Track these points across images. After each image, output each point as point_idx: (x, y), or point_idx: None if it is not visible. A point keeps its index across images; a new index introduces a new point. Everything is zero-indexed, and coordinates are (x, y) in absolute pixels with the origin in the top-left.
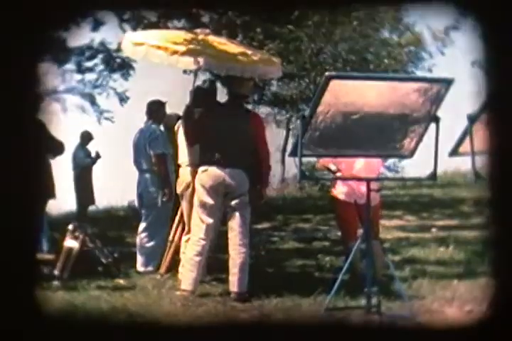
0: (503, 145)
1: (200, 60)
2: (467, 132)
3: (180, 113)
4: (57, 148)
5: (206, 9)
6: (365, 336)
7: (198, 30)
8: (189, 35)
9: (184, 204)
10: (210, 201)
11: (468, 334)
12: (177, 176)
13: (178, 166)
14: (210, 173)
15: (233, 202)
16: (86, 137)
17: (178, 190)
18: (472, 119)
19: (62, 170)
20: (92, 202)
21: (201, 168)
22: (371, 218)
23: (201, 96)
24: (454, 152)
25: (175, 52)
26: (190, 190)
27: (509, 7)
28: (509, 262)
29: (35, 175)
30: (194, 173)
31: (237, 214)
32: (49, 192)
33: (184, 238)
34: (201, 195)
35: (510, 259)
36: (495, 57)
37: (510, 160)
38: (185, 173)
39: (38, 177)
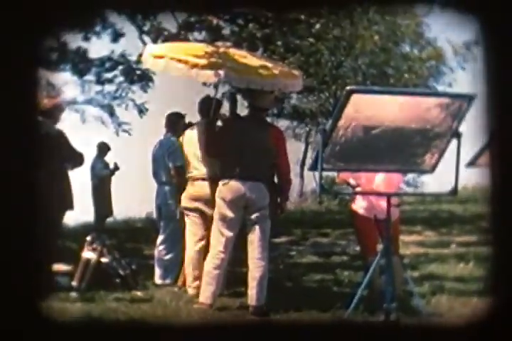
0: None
1: (221, 73)
2: (487, 145)
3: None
4: (77, 159)
5: (218, 12)
6: (366, 335)
7: (219, 43)
8: (210, 48)
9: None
10: (230, 214)
11: (469, 334)
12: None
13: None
14: (231, 186)
15: (253, 216)
16: (103, 148)
17: (198, 204)
18: (492, 134)
19: (80, 181)
20: (110, 213)
21: (222, 181)
22: (390, 233)
23: (220, 108)
24: (472, 163)
25: (195, 66)
26: (205, 202)
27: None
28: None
29: (54, 186)
30: (214, 186)
31: (256, 227)
32: (67, 204)
33: (195, 247)
34: (221, 208)
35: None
36: (496, 60)
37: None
38: (203, 186)
39: (57, 189)
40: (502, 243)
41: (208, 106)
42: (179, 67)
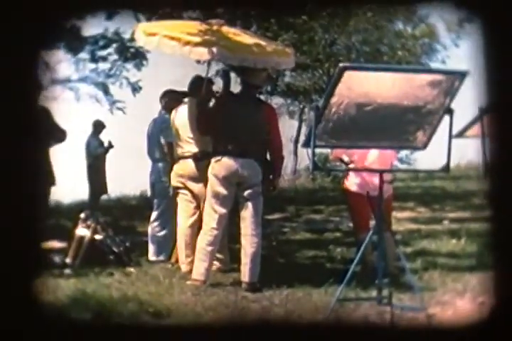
0: (506, 140)
1: (213, 50)
2: (477, 119)
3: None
4: (59, 135)
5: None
6: (366, 335)
7: (212, 21)
8: (203, 26)
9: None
10: (223, 191)
11: (469, 334)
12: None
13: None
14: (223, 163)
15: (246, 193)
16: (98, 126)
17: (186, 182)
18: (483, 112)
19: (75, 158)
20: (105, 191)
21: (214, 158)
22: (383, 210)
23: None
24: (460, 134)
25: (188, 43)
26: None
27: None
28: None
29: (37, 161)
30: (204, 164)
31: (249, 204)
32: (50, 179)
33: (186, 223)
34: (214, 185)
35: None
36: (496, 56)
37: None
38: (189, 164)
39: (41, 164)
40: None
41: (198, 86)
42: (172, 45)
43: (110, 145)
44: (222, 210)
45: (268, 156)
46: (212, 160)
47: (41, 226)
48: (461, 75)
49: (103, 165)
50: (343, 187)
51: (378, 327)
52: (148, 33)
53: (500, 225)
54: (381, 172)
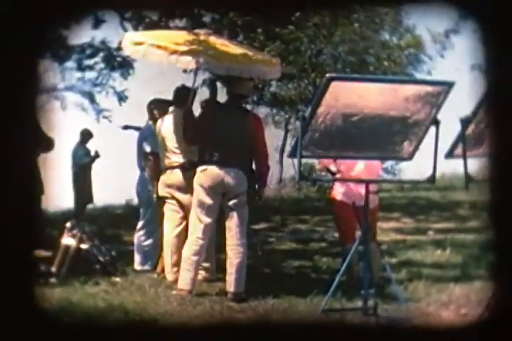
0: (501, 147)
1: (200, 59)
2: (461, 136)
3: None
4: (46, 144)
5: (207, 10)
6: (365, 335)
7: (199, 31)
8: (190, 36)
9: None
10: (208, 201)
11: (469, 334)
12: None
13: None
14: (209, 173)
15: (231, 202)
16: (86, 135)
17: (173, 191)
18: (465, 123)
19: (61, 167)
20: (91, 200)
21: (200, 168)
22: (369, 220)
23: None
24: (449, 154)
25: (174, 52)
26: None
27: (509, 8)
28: (508, 265)
29: (28, 171)
30: (190, 174)
31: (234, 214)
32: (39, 189)
33: (172, 233)
34: (200, 195)
35: (509, 262)
36: (495, 59)
37: (509, 162)
38: (176, 174)
39: (32, 174)
40: (502, 246)
41: (183, 95)
42: (159, 54)
43: (97, 155)
44: (208, 220)
45: (254, 166)
46: (198, 169)
47: (34, 234)
48: (448, 86)
49: (89, 174)
50: (330, 198)
51: (378, 328)
52: (135, 42)
53: (500, 232)
54: (367, 182)
